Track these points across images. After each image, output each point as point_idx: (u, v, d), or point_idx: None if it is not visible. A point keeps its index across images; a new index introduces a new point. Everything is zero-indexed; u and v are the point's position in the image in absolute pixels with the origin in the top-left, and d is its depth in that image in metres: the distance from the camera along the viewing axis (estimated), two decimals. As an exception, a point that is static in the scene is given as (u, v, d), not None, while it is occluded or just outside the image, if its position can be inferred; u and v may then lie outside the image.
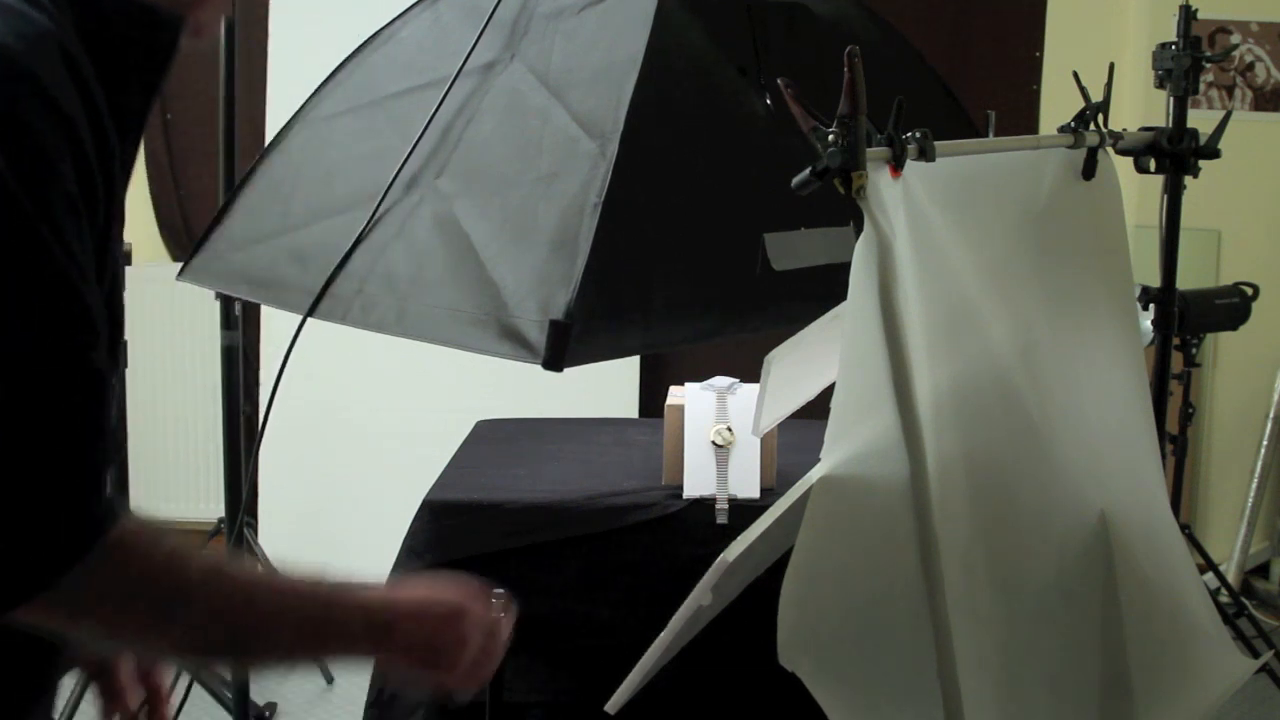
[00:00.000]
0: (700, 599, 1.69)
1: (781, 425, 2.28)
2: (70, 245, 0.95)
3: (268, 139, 2.68)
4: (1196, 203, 2.70)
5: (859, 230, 1.48)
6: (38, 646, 1.10)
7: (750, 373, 2.21)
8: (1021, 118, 4.44)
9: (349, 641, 1.18)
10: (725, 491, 2.43)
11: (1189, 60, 2.57)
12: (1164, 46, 2.63)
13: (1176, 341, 3.16)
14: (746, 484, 2.46)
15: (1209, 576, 3.85)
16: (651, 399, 4.31)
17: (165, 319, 4.34)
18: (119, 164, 1.03)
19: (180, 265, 2.31)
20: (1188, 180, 2.30)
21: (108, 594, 1.00)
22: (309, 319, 2.00)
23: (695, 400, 2.51)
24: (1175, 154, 2.16)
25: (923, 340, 1.55)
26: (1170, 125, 2.25)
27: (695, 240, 2.02)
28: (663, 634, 1.75)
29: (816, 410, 1.85)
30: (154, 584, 1.03)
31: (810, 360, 1.94)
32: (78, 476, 0.96)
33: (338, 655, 1.23)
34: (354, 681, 3.62)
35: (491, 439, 2.95)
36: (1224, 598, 3.86)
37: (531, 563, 2.42)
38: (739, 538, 1.68)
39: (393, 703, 2.44)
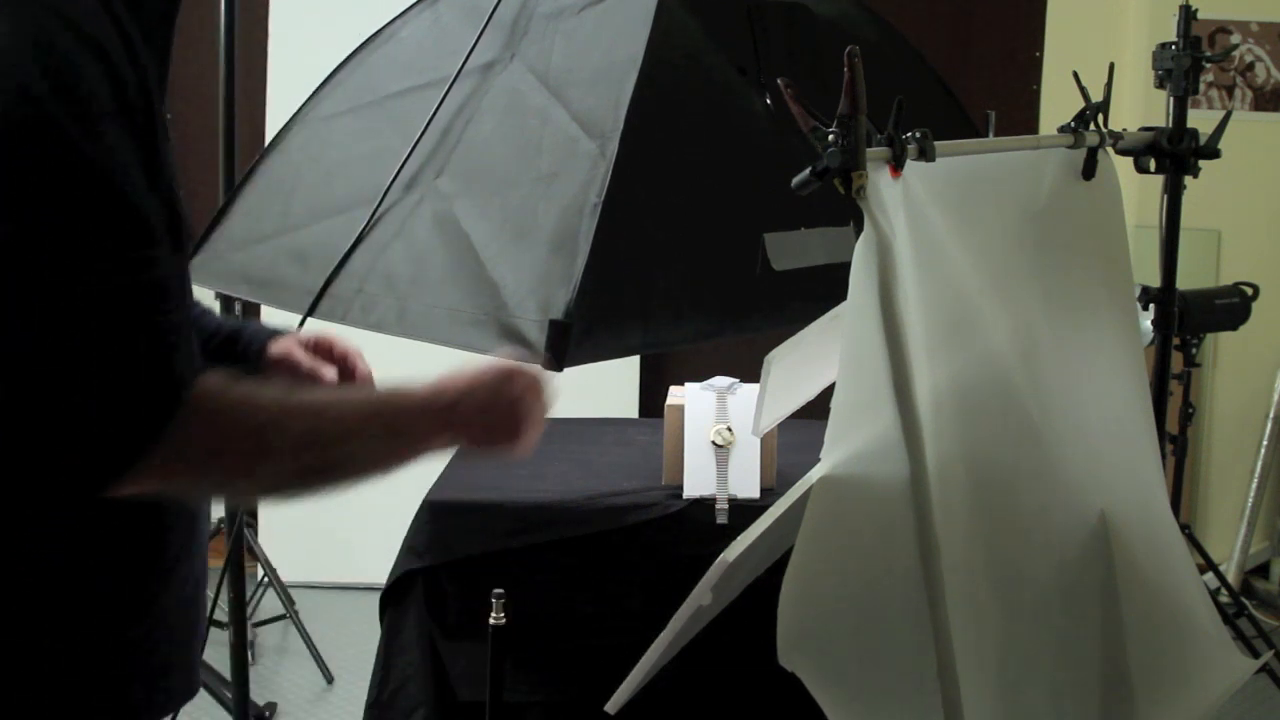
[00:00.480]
0: (700, 599, 1.69)
1: (781, 425, 2.28)
2: (120, 160, 1.03)
3: (268, 139, 2.68)
4: (1196, 203, 2.70)
5: (859, 230, 1.48)
6: (148, 527, 1.21)
7: (750, 373, 2.21)
8: (1021, 118, 4.45)
9: (419, 437, 1.26)
10: (725, 491, 2.43)
11: (1189, 60, 2.57)
12: (1164, 46, 2.63)
13: (1176, 341, 3.17)
14: (746, 484, 2.46)
15: (1209, 576, 3.85)
16: (651, 399, 4.31)
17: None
18: (153, 78, 1.09)
19: (180, 265, 2.30)
20: (1188, 180, 2.30)
21: (198, 449, 1.08)
22: (309, 319, 2.00)
23: (695, 400, 2.51)
24: (1175, 154, 2.16)
25: (923, 340, 1.55)
26: (1170, 125, 2.25)
27: (695, 240, 2.02)
28: (663, 634, 1.75)
29: (816, 410, 1.85)
30: (238, 431, 1.12)
31: (810, 360, 1.94)
32: (153, 360, 1.05)
33: (411, 453, 1.27)
34: (354, 681, 3.62)
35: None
36: (1224, 598, 3.86)
37: (531, 563, 2.42)
38: (739, 538, 1.68)
39: (393, 703, 2.44)
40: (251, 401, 1.14)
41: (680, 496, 2.45)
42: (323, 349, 1.60)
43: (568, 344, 1.78)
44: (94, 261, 1.02)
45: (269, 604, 3.96)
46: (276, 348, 1.58)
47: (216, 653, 3.07)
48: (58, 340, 1.01)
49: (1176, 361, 3.26)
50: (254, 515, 4.22)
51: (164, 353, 1.06)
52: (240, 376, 1.14)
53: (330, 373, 1.57)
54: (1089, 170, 1.88)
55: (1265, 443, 4.41)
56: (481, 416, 1.32)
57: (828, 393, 1.61)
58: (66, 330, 1.01)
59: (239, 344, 1.59)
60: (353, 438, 1.20)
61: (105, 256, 1.02)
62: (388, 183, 2.06)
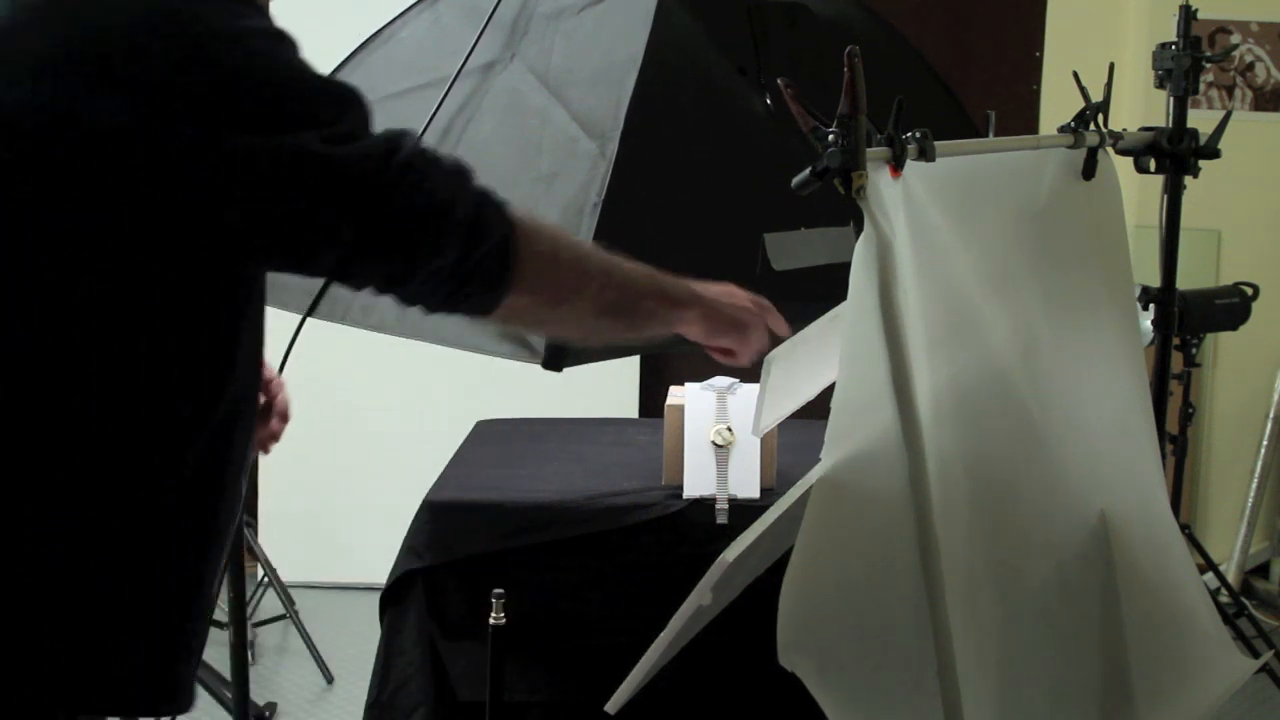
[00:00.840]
0: (700, 599, 1.69)
1: (781, 425, 2.28)
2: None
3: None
4: (1196, 203, 2.70)
5: (859, 230, 1.48)
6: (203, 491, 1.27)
7: (750, 373, 2.21)
8: (1021, 118, 4.44)
9: (680, 303, 1.45)
10: (725, 491, 2.43)
11: (1189, 60, 2.57)
12: (1164, 46, 2.63)
13: (1176, 341, 3.17)
14: (746, 484, 2.46)
15: (1209, 576, 3.84)
16: (651, 399, 4.31)
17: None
18: None
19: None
20: (1188, 180, 2.30)
21: (535, 275, 1.26)
22: (309, 319, 2.00)
23: (695, 400, 2.51)
24: (1175, 154, 2.16)
25: (923, 340, 1.55)
26: (1170, 125, 2.25)
27: (695, 240, 2.02)
28: (663, 634, 1.75)
29: (816, 410, 1.85)
30: (564, 256, 1.32)
31: (810, 360, 1.94)
32: (484, 194, 1.25)
33: (667, 319, 1.46)
34: (354, 681, 3.62)
35: (491, 439, 2.95)
36: (1224, 598, 3.86)
37: (531, 563, 2.42)
38: (739, 538, 1.68)
39: (393, 703, 2.44)
40: (564, 235, 1.37)
41: (680, 496, 2.45)
42: None
43: (568, 344, 1.78)
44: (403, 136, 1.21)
45: (269, 604, 3.96)
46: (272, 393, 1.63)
47: (216, 653, 3.07)
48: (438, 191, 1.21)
49: (1176, 361, 3.26)
50: (254, 515, 4.23)
51: (486, 191, 1.25)
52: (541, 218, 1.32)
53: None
54: (1089, 170, 1.88)
55: (1265, 443, 4.41)
56: (725, 306, 1.51)
57: (828, 393, 1.61)
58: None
59: None
60: (639, 283, 1.40)
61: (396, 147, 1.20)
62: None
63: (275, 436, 1.63)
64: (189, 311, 1.18)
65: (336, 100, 1.19)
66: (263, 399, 1.57)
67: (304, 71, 1.19)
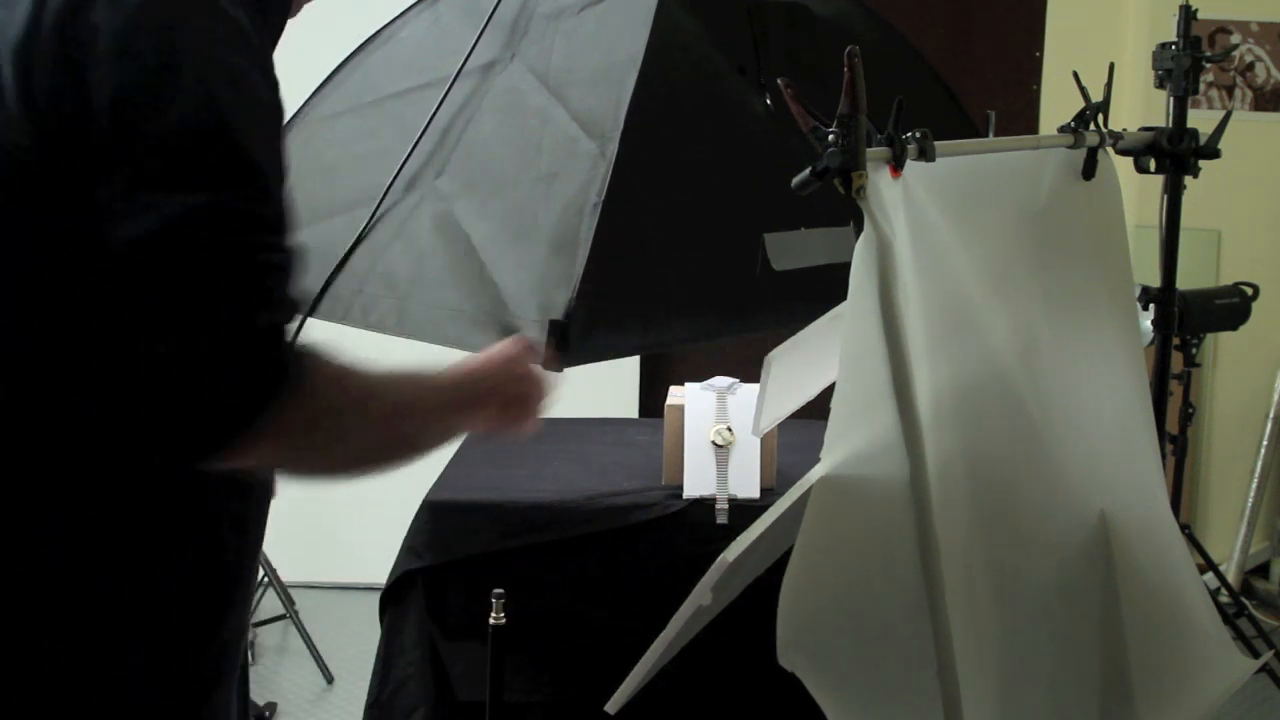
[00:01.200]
0: (700, 599, 1.69)
1: (781, 425, 2.28)
2: (273, 161, 1.19)
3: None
4: (1196, 203, 2.70)
5: (859, 230, 1.48)
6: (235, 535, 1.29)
7: (750, 373, 2.21)
8: (1021, 118, 4.44)
9: (467, 410, 1.38)
10: (725, 491, 2.43)
11: (1189, 60, 2.57)
12: (1164, 46, 2.63)
13: (1176, 341, 3.17)
14: (746, 484, 2.46)
15: (1209, 576, 3.84)
16: (651, 399, 4.31)
17: (165, 319, 4.34)
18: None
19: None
20: (1188, 180, 2.30)
21: (297, 422, 1.14)
22: (308, 319, 2.00)
23: (695, 400, 2.51)
24: (1175, 154, 2.16)
25: (923, 340, 1.55)
26: (1170, 125, 2.25)
27: (695, 240, 2.02)
28: (663, 634, 1.75)
29: (816, 410, 1.85)
30: (334, 406, 1.19)
31: (810, 360, 1.94)
32: (269, 334, 1.13)
33: (459, 428, 1.39)
34: (354, 681, 3.62)
35: (491, 439, 2.94)
36: (1224, 598, 3.86)
37: (531, 563, 2.42)
38: (739, 538, 1.68)
39: (393, 703, 2.44)
40: (353, 373, 1.21)
41: (680, 496, 2.45)
42: None
43: (568, 344, 1.78)
44: (254, 248, 1.12)
45: (269, 604, 3.96)
46: None
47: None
48: (187, 313, 1.09)
49: (1176, 361, 3.26)
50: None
51: (278, 326, 1.13)
52: (335, 355, 1.21)
53: None
54: (1089, 170, 1.88)
55: (1265, 443, 4.41)
56: (503, 397, 1.43)
57: (828, 393, 1.61)
58: (197, 302, 1.09)
59: None
60: (428, 413, 1.31)
61: (260, 247, 1.13)
62: (388, 183, 2.06)
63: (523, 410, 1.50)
64: None
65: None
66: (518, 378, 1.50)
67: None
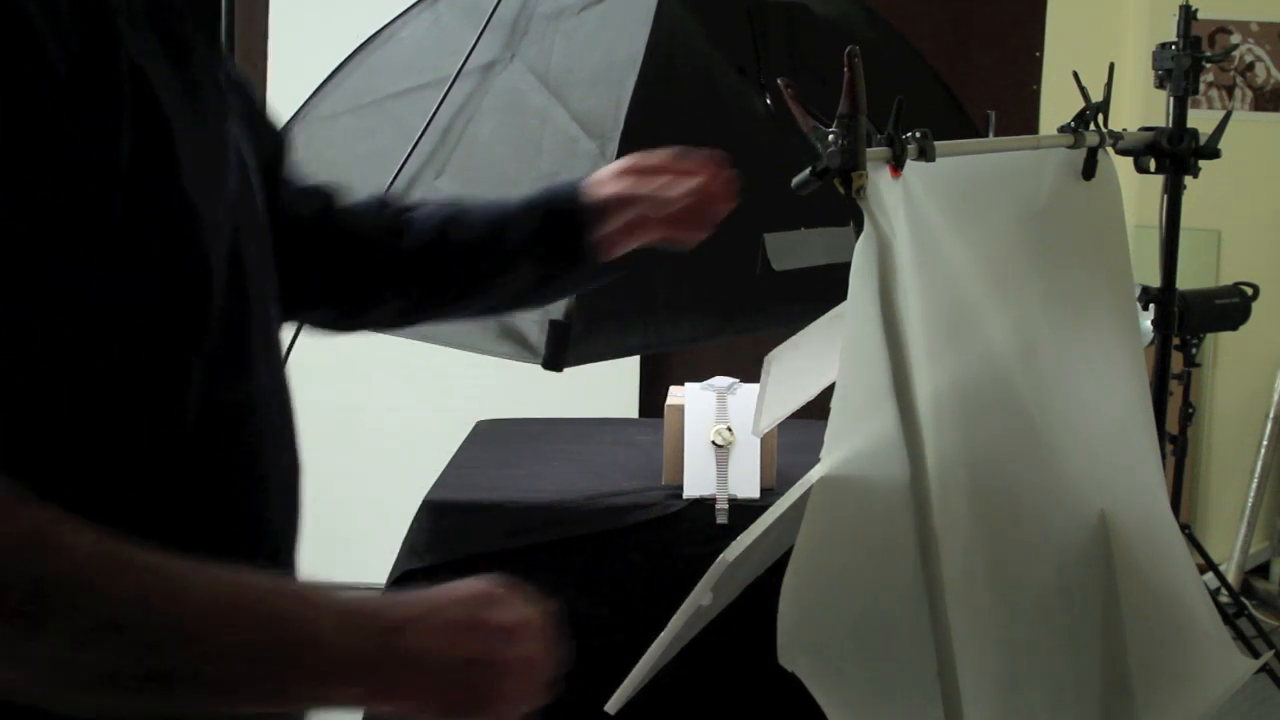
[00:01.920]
0: (700, 599, 1.69)
1: (781, 425, 2.28)
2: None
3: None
4: (1196, 203, 2.70)
5: (859, 230, 1.48)
6: None
7: (750, 373, 2.21)
8: (1021, 118, 4.44)
9: (328, 663, 0.76)
10: (725, 491, 2.43)
11: (1189, 60, 2.57)
12: (1164, 46, 2.63)
13: (1176, 341, 3.16)
14: (746, 484, 2.46)
15: (1209, 576, 3.84)
16: (651, 399, 4.31)
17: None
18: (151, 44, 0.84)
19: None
20: (1188, 180, 2.30)
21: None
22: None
23: (695, 400, 2.50)
24: (1175, 154, 2.16)
25: (923, 340, 1.55)
26: (1170, 125, 2.25)
27: (695, 240, 2.02)
28: (663, 634, 1.75)
29: (816, 410, 1.85)
30: (30, 572, 0.70)
31: (810, 360, 1.94)
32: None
33: (308, 694, 0.78)
34: (354, 681, 3.62)
35: (491, 439, 2.95)
36: (1224, 598, 3.86)
37: (531, 563, 2.42)
38: (739, 538, 1.68)
39: (393, 703, 2.44)
40: (45, 542, 0.70)
41: (680, 496, 2.45)
42: (648, 169, 1.31)
43: (567, 344, 1.78)
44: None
45: (269, 604, 3.95)
46: (600, 191, 1.27)
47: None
48: None
49: (1176, 361, 3.26)
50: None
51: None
52: (28, 498, 0.72)
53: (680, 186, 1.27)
54: (1089, 170, 1.88)
55: (1265, 443, 4.41)
56: (440, 675, 0.81)
57: (828, 393, 1.61)
58: None
59: (512, 233, 1.26)
60: (208, 637, 0.74)
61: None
62: (388, 183, 2.06)
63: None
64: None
65: None
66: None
67: None
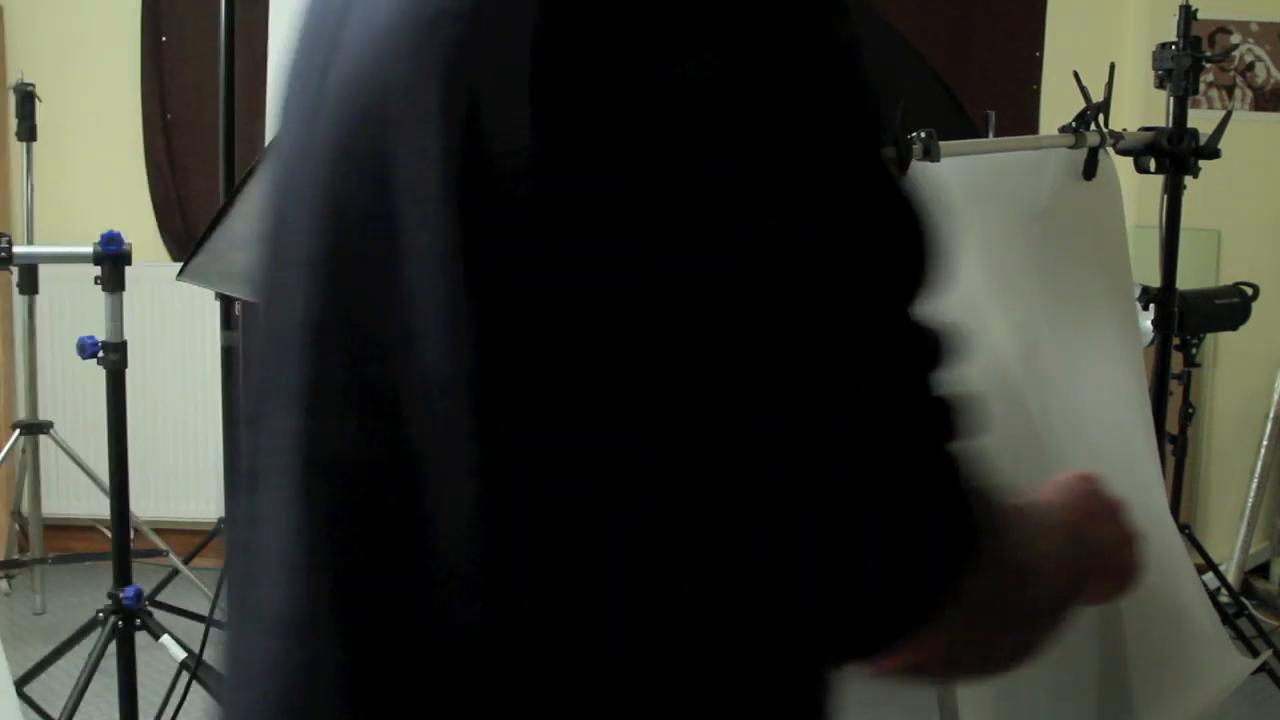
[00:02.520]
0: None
1: (781, 425, 2.28)
2: None
3: (268, 139, 2.67)
4: (1196, 203, 2.70)
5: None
6: None
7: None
8: (1021, 118, 4.44)
9: (1094, 560, 0.87)
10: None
11: (1189, 60, 2.57)
12: (1164, 46, 2.63)
13: (1176, 341, 3.17)
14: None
15: (1209, 576, 3.84)
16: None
17: (165, 319, 4.34)
18: None
19: (180, 265, 2.30)
20: (1188, 180, 2.30)
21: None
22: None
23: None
24: (1175, 154, 2.16)
25: (923, 340, 1.55)
26: (1170, 125, 2.25)
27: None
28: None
29: (816, 410, 1.84)
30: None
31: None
32: None
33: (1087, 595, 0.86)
34: (354, 681, 3.62)
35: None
36: (1224, 598, 3.86)
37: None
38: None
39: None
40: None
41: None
42: None
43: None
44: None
45: (269, 603, 3.95)
46: None
47: (217, 652, 3.07)
48: None
49: (1176, 361, 3.26)
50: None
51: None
52: None
53: None
54: (1089, 170, 1.88)
55: (1265, 443, 4.41)
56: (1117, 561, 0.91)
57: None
58: None
59: None
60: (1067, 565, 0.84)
61: None
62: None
63: None
64: None
65: None
66: None
67: None
